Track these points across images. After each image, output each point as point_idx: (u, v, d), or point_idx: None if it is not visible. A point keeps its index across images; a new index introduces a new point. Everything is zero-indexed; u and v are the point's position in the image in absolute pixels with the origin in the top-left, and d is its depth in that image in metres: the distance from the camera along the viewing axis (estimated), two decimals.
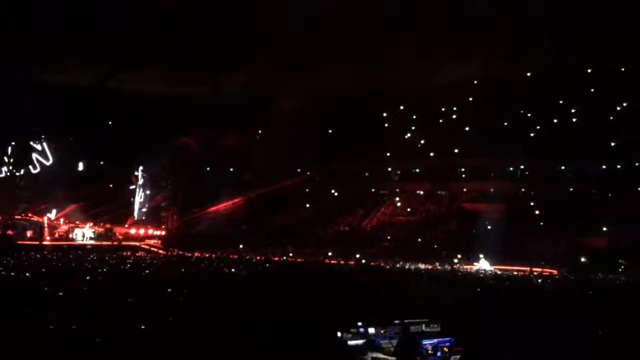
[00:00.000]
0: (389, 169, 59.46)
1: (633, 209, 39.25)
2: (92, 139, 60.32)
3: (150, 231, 61.00)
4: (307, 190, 59.89)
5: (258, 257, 42.92)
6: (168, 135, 60.22)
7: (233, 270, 30.24)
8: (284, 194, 58.36)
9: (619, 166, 48.56)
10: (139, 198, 64.86)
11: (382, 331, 8.37)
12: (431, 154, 56.00)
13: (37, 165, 64.87)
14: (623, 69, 50.67)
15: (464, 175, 54.83)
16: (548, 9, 43.98)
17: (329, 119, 57.97)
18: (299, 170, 61.17)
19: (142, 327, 11.60)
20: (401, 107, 59.54)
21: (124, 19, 48.52)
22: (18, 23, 45.82)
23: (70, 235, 55.57)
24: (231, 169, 63.18)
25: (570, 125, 51.73)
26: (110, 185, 66.49)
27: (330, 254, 43.73)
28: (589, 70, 52.70)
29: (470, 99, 56.08)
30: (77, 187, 60.20)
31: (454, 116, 58.02)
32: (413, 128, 59.25)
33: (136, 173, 64.60)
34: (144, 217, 64.55)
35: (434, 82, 53.45)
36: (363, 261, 40.79)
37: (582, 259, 37.19)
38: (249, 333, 11.08)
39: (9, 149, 64.72)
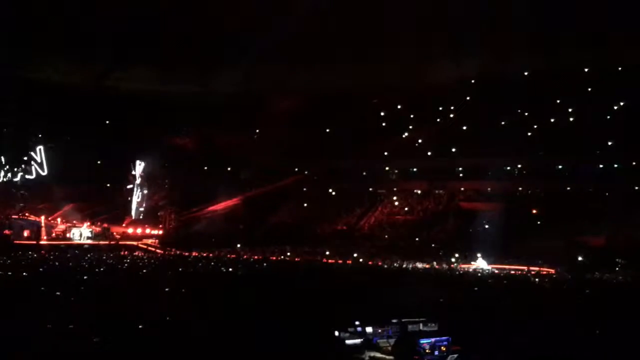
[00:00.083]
0: (387, 168, 59.51)
1: (630, 208, 39.48)
2: (89, 138, 60.08)
3: (147, 230, 60.93)
4: (304, 189, 59.89)
5: (256, 257, 42.96)
6: (165, 134, 60.14)
7: (231, 269, 30.23)
8: (281, 193, 58.36)
9: (616, 165, 48.69)
10: (136, 197, 64.67)
11: (379, 330, 8.35)
12: (429, 153, 56.09)
13: (33, 172, 64.49)
14: (620, 68, 50.74)
15: (461, 175, 54.92)
16: (546, 8, 44.02)
17: (327, 117, 57.91)
18: (296, 169, 61.16)
19: (140, 326, 11.57)
20: (399, 107, 59.53)
21: (121, 17, 48.32)
22: (6, 23, 45.50)
23: (68, 235, 55.28)
24: (229, 168, 63.16)
25: (567, 124, 51.82)
26: (108, 185, 66.40)
27: (328, 253, 43.76)
28: (586, 70, 52.78)
29: (468, 97, 56.11)
30: (74, 186, 59.98)
31: (452, 115, 58.08)
32: (410, 127, 59.28)
33: (133, 172, 64.46)
34: (141, 217, 64.43)
35: (432, 81, 53.47)
36: (361, 260, 40.86)
37: (580, 258, 37.34)
38: (246, 332, 11.08)
39: (6, 151, 64.18)
